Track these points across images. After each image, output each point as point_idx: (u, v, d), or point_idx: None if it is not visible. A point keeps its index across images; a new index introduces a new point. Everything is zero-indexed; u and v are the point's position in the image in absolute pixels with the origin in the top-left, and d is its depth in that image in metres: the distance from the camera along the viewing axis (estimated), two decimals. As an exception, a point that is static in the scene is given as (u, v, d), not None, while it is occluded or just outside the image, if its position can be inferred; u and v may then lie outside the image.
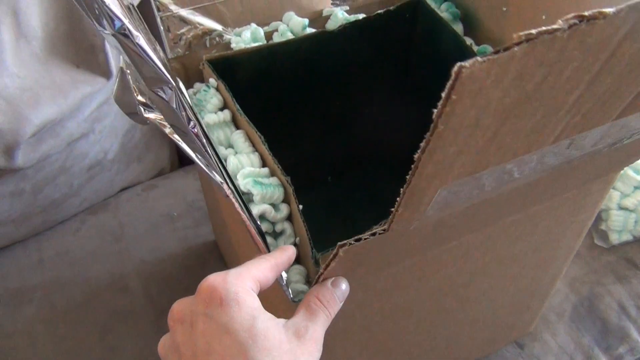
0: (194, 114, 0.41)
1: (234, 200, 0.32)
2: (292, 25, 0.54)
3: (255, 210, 0.39)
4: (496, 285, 0.46)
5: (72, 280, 0.68)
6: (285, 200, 0.41)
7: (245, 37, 0.52)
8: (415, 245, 0.35)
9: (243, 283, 0.29)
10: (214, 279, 0.29)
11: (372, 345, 0.44)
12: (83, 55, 0.60)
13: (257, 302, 0.29)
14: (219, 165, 0.38)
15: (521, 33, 0.19)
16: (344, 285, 0.33)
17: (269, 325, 0.28)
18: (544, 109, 0.24)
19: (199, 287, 0.29)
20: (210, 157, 0.35)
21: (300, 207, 0.38)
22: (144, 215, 0.74)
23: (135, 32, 0.25)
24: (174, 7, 0.50)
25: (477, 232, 0.38)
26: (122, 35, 0.25)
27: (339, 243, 0.29)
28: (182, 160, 0.85)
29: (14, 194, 0.63)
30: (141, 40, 0.26)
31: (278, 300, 0.38)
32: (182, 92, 0.35)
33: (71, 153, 0.65)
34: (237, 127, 0.46)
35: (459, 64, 0.19)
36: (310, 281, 0.39)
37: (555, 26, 0.19)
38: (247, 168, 0.41)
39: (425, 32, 0.56)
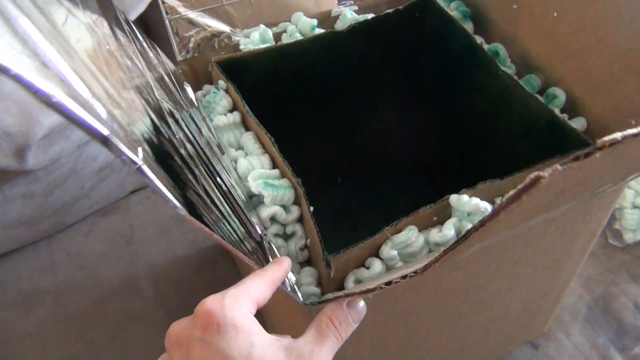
0: (189, 130, 0.40)
1: (205, 230, 0.31)
2: (301, 26, 0.53)
3: (266, 212, 0.39)
4: (509, 287, 0.46)
5: (83, 282, 0.68)
6: (296, 202, 0.41)
7: (254, 39, 0.52)
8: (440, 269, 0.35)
9: (241, 307, 0.28)
10: (211, 303, 0.28)
11: (384, 348, 0.44)
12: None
13: (255, 327, 0.28)
14: (211, 179, 0.37)
15: (606, 138, 0.19)
16: (360, 306, 0.32)
17: (267, 351, 0.27)
18: (599, 179, 0.24)
19: (196, 311, 0.28)
20: (163, 193, 0.33)
21: (311, 208, 0.38)
22: (155, 217, 0.75)
23: (54, 91, 0.25)
24: (182, 10, 0.50)
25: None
26: (40, 96, 0.25)
27: (368, 287, 0.29)
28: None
29: (25, 196, 0.64)
30: (62, 98, 0.25)
31: (290, 302, 0.38)
32: (159, 115, 0.34)
33: (81, 155, 0.65)
34: (247, 128, 0.46)
35: (536, 174, 0.19)
36: (321, 283, 0.39)
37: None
38: (257, 170, 0.41)
39: (435, 31, 0.55)
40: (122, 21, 0.43)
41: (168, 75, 0.46)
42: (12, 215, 0.65)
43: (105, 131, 0.25)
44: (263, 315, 0.59)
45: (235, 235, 0.33)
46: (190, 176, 0.33)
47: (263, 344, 0.28)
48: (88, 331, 0.63)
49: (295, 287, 0.36)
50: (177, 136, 0.36)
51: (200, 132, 0.42)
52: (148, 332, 0.63)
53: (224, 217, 0.33)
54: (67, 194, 0.68)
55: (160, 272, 0.68)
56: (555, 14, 0.46)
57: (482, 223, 0.22)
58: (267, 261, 0.34)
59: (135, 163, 0.25)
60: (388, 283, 0.28)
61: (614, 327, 0.62)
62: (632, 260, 0.68)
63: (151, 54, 0.45)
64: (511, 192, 0.20)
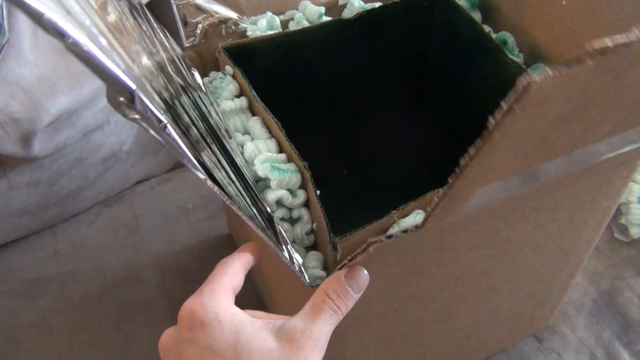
0: (197, 107, 0.40)
1: (224, 198, 0.31)
2: (308, 14, 0.53)
3: (273, 195, 0.39)
4: (515, 274, 0.46)
5: (87, 271, 0.68)
6: (303, 186, 0.40)
7: (261, 26, 0.52)
8: (444, 239, 0.35)
9: (220, 300, 0.29)
10: (192, 303, 0.28)
11: (389, 334, 0.44)
12: (99, 46, 0.60)
13: (239, 315, 0.28)
14: (223, 159, 0.37)
15: (596, 45, 0.18)
16: (361, 276, 0.31)
17: (255, 337, 0.27)
18: (599, 113, 0.23)
19: (179, 315, 0.28)
20: (188, 156, 0.33)
21: (318, 192, 0.38)
22: (159, 208, 0.74)
23: (86, 41, 0.25)
24: (190, -5, 0.50)
25: (498, 219, 0.38)
26: (73, 45, 0.25)
27: (370, 240, 0.29)
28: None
29: (30, 185, 0.64)
30: (93, 48, 0.25)
31: (296, 284, 0.37)
32: (169, 94, 0.35)
33: (87, 144, 0.65)
34: (253, 113, 0.46)
35: (527, 77, 0.18)
36: (327, 267, 0.38)
37: (632, 37, 0.19)
38: (264, 153, 0.41)
39: (443, 20, 0.55)
40: (136, 4, 0.43)
41: (178, 59, 0.46)
42: (17, 203, 0.65)
43: (132, 85, 0.25)
44: (264, 300, 0.59)
45: (248, 211, 0.33)
46: (207, 150, 0.33)
47: (249, 329, 0.28)
48: (92, 320, 0.63)
49: (303, 269, 0.36)
50: (190, 113, 0.36)
51: (210, 114, 0.42)
52: (152, 321, 0.63)
53: (238, 193, 0.34)
54: (72, 183, 0.68)
55: (164, 262, 0.68)
56: (564, 2, 0.46)
57: (478, 148, 0.21)
58: (277, 238, 0.34)
59: (161, 121, 0.25)
60: (389, 237, 0.27)
61: (619, 322, 0.61)
62: (637, 255, 0.67)
63: (162, 38, 0.45)
64: (503, 105, 0.19)
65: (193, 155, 0.28)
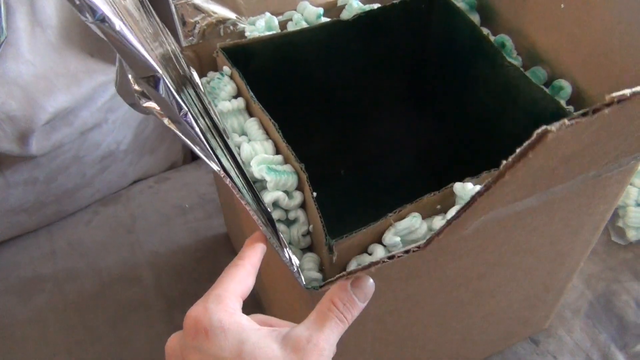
0: (202, 104, 0.40)
1: (234, 189, 0.32)
2: (307, 15, 0.53)
3: (269, 197, 0.39)
4: (511, 278, 0.46)
5: (83, 270, 0.68)
6: (299, 188, 0.40)
7: (260, 26, 0.52)
8: (442, 248, 0.35)
9: (225, 307, 0.28)
10: (196, 311, 0.28)
11: (384, 336, 0.44)
12: (97, 44, 0.60)
13: (244, 323, 0.28)
14: (225, 155, 0.38)
15: (614, 94, 0.19)
16: (367, 284, 0.31)
17: (259, 345, 0.27)
18: (609, 146, 0.23)
19: (184, 321, 0.28)
20: (204, 144, 0.34)
21: (314, 194, 0.38)
22: (156, 207, 0.74)
23: (116, 21, 0.25)
24: (188, -5, 0.50)
25: (493, 223, 0.38)
26: (103, 23, 0.25)
27: (372, 261, 0.29)
28: (194, 154, 0.85)
29: (27, 183, 0.64)
30: (123, 28, 0.25)
31: (292, 285, 0.37)
32: (177, 84, 0.35)
33: (84, 143, 0.65)
34: (251, 115, 0.46)
35: (544, 127, 0.19)
36: (323, 269, 0.38)
37: None
38: (260, 155, 0.41)
39: (441, 23, 0.55)
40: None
41: (179, 55, 0.46)
42: (14, 201, 0.65)
43: (159, 69, 0.25)
44: (261, 303, 0.59)
45: (253, 207, 0.33)
46: (211, 142, 0.33)
47: (254, 338, 0.27)
48: (88, 319, 0.63)
49: (299, 271, 0.36)
50: (194, 107, 0.36)
51: (211, 110, 0.42)
52: (148, 320, 0.63)
53: (243, 188, 0.34)
54: (70, 182, 0.68)
55: (161, 261, 0.68)
56: (562, 6, 0.46)
57: (487, 186, 0.22)
58: (277, 236, 0.34)
59: (181, 108, 0.25)
60: (391, 257, 0.28)
61: (616, 325, 0.61)
62: (634, 258, 0.67)
63: (164, 33, 0.45)
64: (517, 150, 0.20)
65: (209, 146, 0.28)
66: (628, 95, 0.18)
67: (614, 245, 0.68)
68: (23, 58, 0.55)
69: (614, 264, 0.67)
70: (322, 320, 0.29)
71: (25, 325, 0.63)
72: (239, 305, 0.29)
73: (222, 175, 0.31)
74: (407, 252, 0.27)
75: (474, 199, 0.23)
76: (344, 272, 0.30)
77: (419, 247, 0.27)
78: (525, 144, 0.19)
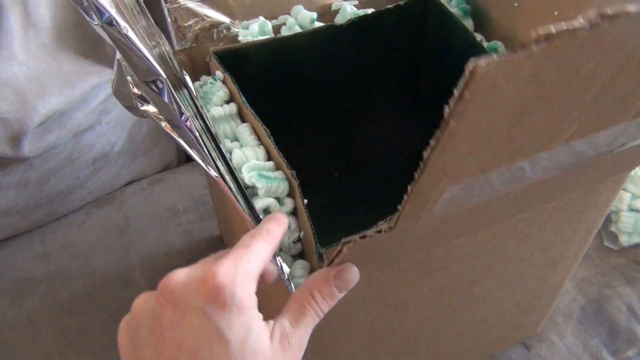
0: (196, 107, 0.40)
1: (231, 195, 0.32)
2: (301, 19, 0.53)
3: (260, 203, 0.39)
4: (503, 284, 0.46)
5: (76, 272, 0.68)
6: (290, 194, 0.40)
7: (253, 30, 0.52)
8: (422, 242, 0.34)
9: (249, 285, 0.27)
10: (224, 277, 0.26)
11: (376, 343, 0.44)
12: (91, 46, 0.60)
13: (256, 311, 0.27)
14: (219, 158, 0.38)
15: (540, 31, 0.18)
16: (351, 275, 0.30)
17: (259, 339, 0.27)
18: (559, 107, 0.23)
19: (206, 279, 0.26)
20: (204, 150, 0.34)
21: (305, 201, 0.38)
22: (150, 209, 0.74)
23: (123, 24, 0.25)
24: (181, -1, 0.50)
25: (485, 230, 0.38)
26: (110, 26, 0.25)
27: (344, 240, 0.29)
28: (188, 156, 0.85)
29: (19, 184, 0.63)
30: (129, 31, 0.25)
31: (280, 293, 0.37)
32: (173, 86, 0.35)
33: (77, 144, 0.65)
34: (243, 120, 0.46)
35: (473, 61, 0.18)
36: (313, 276, 0.38)
37: (576, 24, 0.18)
38: (252, 161, 0.41)
39: (435, 28, 0.55)
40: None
41: (171, 56, 0.45)
42: (6, 203, 0.65)
43: (163, 74, 0.25)
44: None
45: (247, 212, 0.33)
46: (207, 146, 0.33)
47: (259, 330, 0.27)
48: (80, 321, 0.63)
49: (290, 278, 0.36)
50: (190, 109, 0.36)
51: (205, 114, 0.42)
52: (140, 323, 0.63)
53: (237, 193, 0.34)
54: (62, 183, 0.68)
55: (154, 263, 0.68)
56: (555, 13, 0.46)
57: (437, 139, 0.21)
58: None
59: (183, 113, 0.25)
60: (363, 237, 0.27)
61: (607, 330, 0.62)
62: (626, 263, 0.67)
63: (158, 36, 0.45)
64: (455, 92, 0.19)
65: (207, 152, 0.28)
66: (554, 32, 0.18)
67: (606, 250, 0.69)
68: (16, 60, 0.55)
69: (607, 269, 0.67)
70: (301, 315, 0.29)
71: (18, 326, 0.63)
72: (256, 285, 0.28)
73: (222, 184, 0.31)
74: (379, 231, 0.27)
75: (427, 156, 0.22)
76: (326, 261, 0.30)
77: (390, 226, 0.27)
78: (460, 83, 0.19)
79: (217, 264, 0.27)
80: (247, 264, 0.28)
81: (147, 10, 0.46)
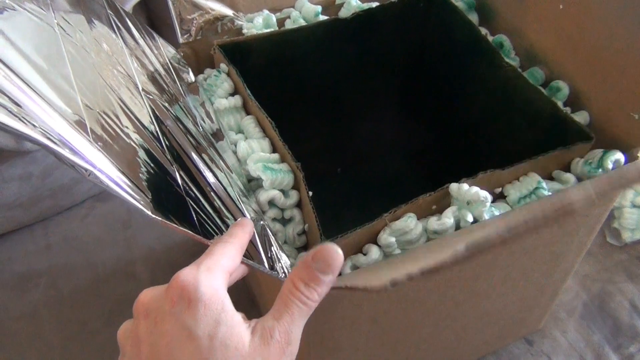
0: (190, 116, 0.40)
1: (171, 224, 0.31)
2: (305, 12, 0.53)
3: (265, 195, 0.39)
4: (507, 278, 0.46)
5: (78, 266, 0.68)
6: (295, 186, 0.40)
7: (257, 23, 0.52)
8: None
9: (214, 281, 0.27)
10: (186, 276, 0.27)
11: (379, 336, 0.44)
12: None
13: (226, 304, 0.27)
14: (216, 165, 0.37)
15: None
16: (331, 254, 0.29)
17: (232, 332, 0.27)
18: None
19: (171, 283, 0.27)
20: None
21: (310, 193, 0.38)
22: (152, 203, 0.74)
23: (102, 177, 0.26)
24: (186, -9, 0.50)
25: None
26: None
27: (373, 285, 0.28)
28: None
29: (22, 178, 0.63)
30: (109, 182, 0.26)
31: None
32: (168, 102, 0.34)
33: (80, 138, 0.65)
34: (248, 112, 0.46)
35: None
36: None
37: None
38: (257, 153, 0.41)
39: (440, 22, 0.55)
40: (109, 14, 0.43)
41: (165, 65, 0.45)
42: (9, 196, 0.65)
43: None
44: (255, 299, 0.59)
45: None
46: (180, 173, 0.33)
47: (231, 323, 0.27)
48: (82, 314, 0.63)
49: (285, 267, 0.35)
50: (171, 134, 0.36)
51: (196, 121, 0.42)
52: (142, 316, 0.63)
53: (216, 210, 0.33)
54: (65, 177, 0.68)
55: (156, 257, 0.68)
56: (561, 6, 0.46)
57: None
58: (257, 255, 0.34)
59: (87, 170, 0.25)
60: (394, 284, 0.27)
61: (610, 326, 0.62)
62: (629, 259, 0.67)
63: (146, 47, 0.45)
64: None
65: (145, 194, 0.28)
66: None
67: (609, 247, 0.69)
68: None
69: (609, 264, 0.67)
70: (285, 306, 0.28)
71: (20, 319, 0.63)
72: (226, 281, 0.29)
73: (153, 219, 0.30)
74: (411, 278, 0.27)
75: None
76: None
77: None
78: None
79: (179, 271, 0.28)
80: (209, 262, 0.28)
81: (127, 18, 0.45)
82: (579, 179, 0.41)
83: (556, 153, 0.40)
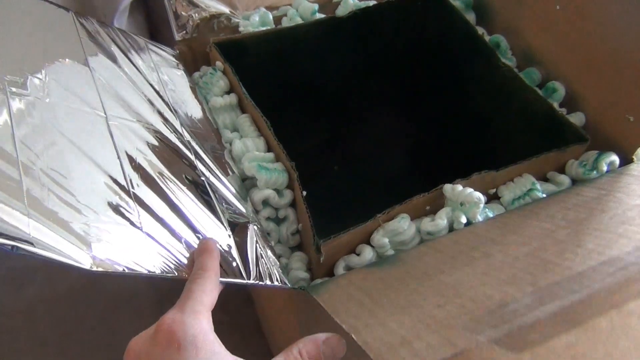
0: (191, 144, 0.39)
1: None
2: (302, 11, 0.53)
3: (259, 195, 0.39)
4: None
5: (74, 262, 0.68)
6: (289, 186, 0.40)
7: (254, 21, 0.51)
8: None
9: (201, 322, 0.28)
10: (172, 321, 0.28)
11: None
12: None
13: (216, 345, 0.28)
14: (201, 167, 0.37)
15: None
16: (339, 345, 0.31)
17: None
18: None
19: (157, 328, 0.28)
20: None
21: (304, 193, 0.38)
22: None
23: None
24: (182, -11, 0.50)
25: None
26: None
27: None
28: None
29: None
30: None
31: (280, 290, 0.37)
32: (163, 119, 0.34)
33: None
34: (243, 111, 0.46)
35: None
36: (311, 268, 0.38)
37: None
38: (252, 152, 0.41)
39: (437, 20, 0.55)
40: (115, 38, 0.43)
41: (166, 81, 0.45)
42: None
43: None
44: (256, 307, 0.59)
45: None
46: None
47: None
48: (78, 311, 0.63)
49: (277, 270, 0.35)
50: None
51: (182, 135, 0.40)
52: (138, 312, 0.63)
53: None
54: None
55: (152, 254, 0.68)
56: (557, 7, 0.46)
57: None
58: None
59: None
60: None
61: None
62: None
63: (147, 56, 0.44)
64: None
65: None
66: None
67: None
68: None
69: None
70: None
71: (15, 315, 0.63)
72: (211, 319, 0.29)
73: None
74: None
75: None
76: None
77: None
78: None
79: (164, 315, 0.28)
80: (191, 303, 0.29)
81: (124, 37, 0.45)
82: (574, 181, 0.41)
83: (551, 154, 0.40)
